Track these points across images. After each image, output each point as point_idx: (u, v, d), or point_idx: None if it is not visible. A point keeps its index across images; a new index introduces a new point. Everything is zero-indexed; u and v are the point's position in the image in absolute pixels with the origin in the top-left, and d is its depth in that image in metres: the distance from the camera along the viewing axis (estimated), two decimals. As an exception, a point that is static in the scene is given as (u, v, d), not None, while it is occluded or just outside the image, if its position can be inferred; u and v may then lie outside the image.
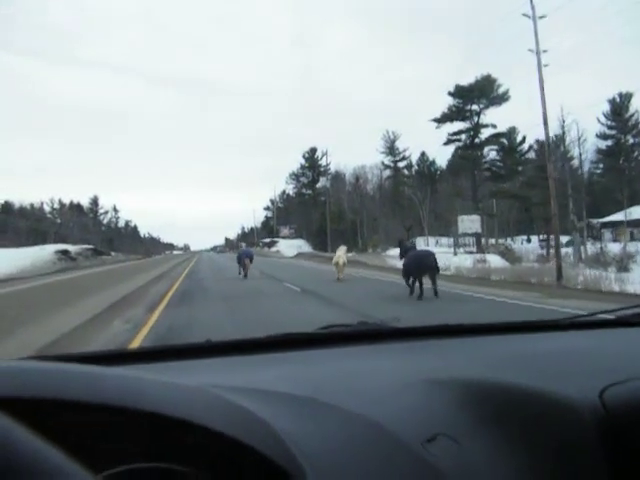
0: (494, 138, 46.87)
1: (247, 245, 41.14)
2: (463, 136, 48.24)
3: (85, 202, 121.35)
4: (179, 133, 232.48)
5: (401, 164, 79.78)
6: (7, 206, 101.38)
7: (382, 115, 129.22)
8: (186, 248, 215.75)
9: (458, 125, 48.80)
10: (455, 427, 0.96)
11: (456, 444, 0.92)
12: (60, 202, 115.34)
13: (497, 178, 49.12)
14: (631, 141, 67.29)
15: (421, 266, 13.60)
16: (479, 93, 45.61)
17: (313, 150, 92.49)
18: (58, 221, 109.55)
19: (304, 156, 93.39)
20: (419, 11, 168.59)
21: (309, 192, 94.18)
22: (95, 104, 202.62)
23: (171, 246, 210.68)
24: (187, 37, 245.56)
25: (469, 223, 43.42)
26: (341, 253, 20.95)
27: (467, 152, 48.58)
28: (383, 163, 79.21)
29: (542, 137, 61.47)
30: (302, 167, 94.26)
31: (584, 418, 0.96)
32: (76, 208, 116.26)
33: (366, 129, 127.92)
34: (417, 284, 13.60)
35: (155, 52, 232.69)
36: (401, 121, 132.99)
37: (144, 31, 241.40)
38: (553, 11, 26.94)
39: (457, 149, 50.10)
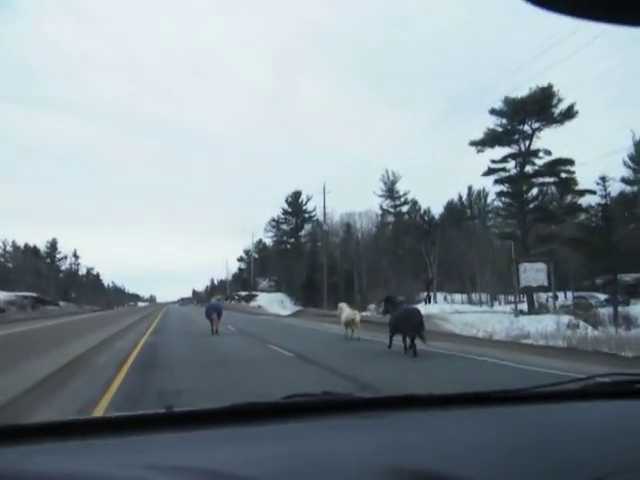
0: (551, 167, 34.97)
1: (218, 299, 31.62)
2: (510, 164, 36.24)
3: (42, 246, 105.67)
4: (150, 181, 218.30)
5: (402, 209, 67.68)
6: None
7: (365, 166, 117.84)
8: (152, 299, 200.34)
9: (500, 152, 36.87)
10: None
11: None
12: (14, 244, 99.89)
13: (548, 219, 37.04)
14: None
15: (408, 322, 13.38)
16: (535, 108, 33.88)
17: (297, 194, 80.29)
18: (9, 265, 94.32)
19: (287, 200, 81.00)
20: (395, 67, 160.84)
21: (291, 240, 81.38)
22: (61, 147, 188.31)
23: (136, 297, 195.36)
24: (162, 85, 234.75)
25: (533, 273, 31.12)
26: (351, 310, 19.16)
27: (514, 184, 36.57)
28: (382, 207, 67.02)
29: (607, 170, 50.04)
30: (284, 212, 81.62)
31: None
32: (31, 251, 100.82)
33: (348, 180, 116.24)
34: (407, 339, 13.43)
35: (129, 98, 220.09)
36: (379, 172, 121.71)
37: (118, 77, 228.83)
38: None
39: (498, 181, 37.93)
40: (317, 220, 75.12)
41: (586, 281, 59.88)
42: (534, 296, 35.36)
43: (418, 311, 14.27)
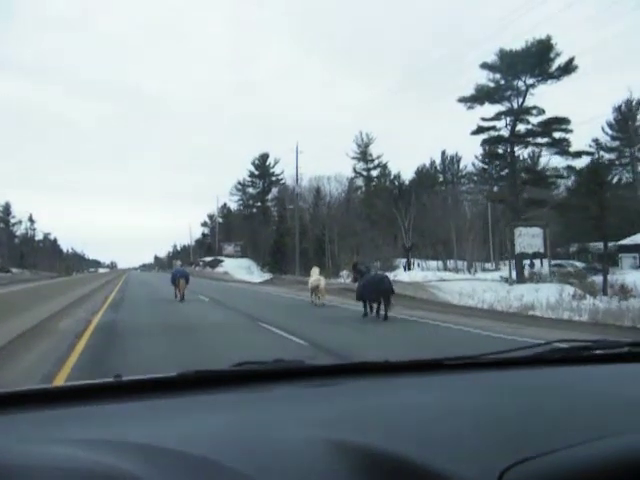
0: (546, 126, 32.20)
1: (182, 264, 29.80)
2: (501, 122, 33.31)
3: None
4: (109, 145, 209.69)
5: (374, 173, 64.42)
6: None
7: (332, 133, 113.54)
8: (113, 266, 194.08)
9: (490, 110, 33.92)
10: None
11: None
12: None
13: (538, 182, 34.49)
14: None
15: (377, 289, 13.56)
16: (531, 62, 30.91)
17: (264, 157, 76.39)
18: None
19: (254, 163, 76.93)
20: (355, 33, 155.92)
21: (258, 204, 77.57)
22: (11, 108, 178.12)
23: (97, 263, 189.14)
24: (121, 46, 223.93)
25: (529, 239, 28.55)
26: (318, 276, 18.78)
27: (504, 144, 33.82)
28: (355, 170, 63.60)
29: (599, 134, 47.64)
30: (251, 175, 77.57)
31: None
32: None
33: (314, 146, 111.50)
34: (374, 305, 13.89)
35: (85, 60, 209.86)
36: (344, 140, 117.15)
37: (74, 35, 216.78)
38: None
39: (486, 142, 35.10)
40: (284, 184, 71.63)
41: (560, 249, 58.28)
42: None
43: (387, 278, 14.51)
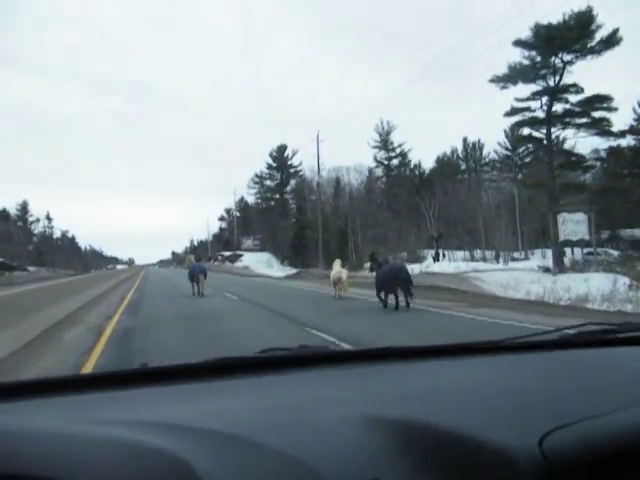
0: (587, 104, 29.81)
1: (196, 258, 33.48)
2: (536, 102, 30.99)
3: (12, 208, 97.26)
4: (124, 141, 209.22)
5: (395, 162, 62.19)
6: None
7: (343, 126, 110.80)
8: (131, 262, 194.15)
9: (523, 90, 31.69)
10: (390, 473, 0.84)
11: None
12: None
13: (576, 165, 32.24)
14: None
15: (395, 279, 13.20)
16: (574, 35, 28.56)
17: (282, 148, 74.41)
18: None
19: (271, 155, 75.00)
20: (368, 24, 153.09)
21: (276, 197, 75.67)
22: (25, 107, 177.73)
23: (115, 260, 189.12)
24: (131, 43, 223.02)
25: (573, 225, 26.40)
26: (340, 268, 18.24)
27: (535, 126, 31.55)
28: (376, 159, 61.44)
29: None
30: (269, 167, 75.66)
31: (523, 470, 0.84)
32: (0, 215, 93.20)
33: (331, 138, 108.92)
34: (392, 297, 13.27)
35: (99, 57, 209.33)
36: (362, 131, 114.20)
37: (84, 34, 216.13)
38: None
39: (519, 124, 32.85)
40: (303, 175, 69.70)
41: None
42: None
43: (404, 267, 14.31)
